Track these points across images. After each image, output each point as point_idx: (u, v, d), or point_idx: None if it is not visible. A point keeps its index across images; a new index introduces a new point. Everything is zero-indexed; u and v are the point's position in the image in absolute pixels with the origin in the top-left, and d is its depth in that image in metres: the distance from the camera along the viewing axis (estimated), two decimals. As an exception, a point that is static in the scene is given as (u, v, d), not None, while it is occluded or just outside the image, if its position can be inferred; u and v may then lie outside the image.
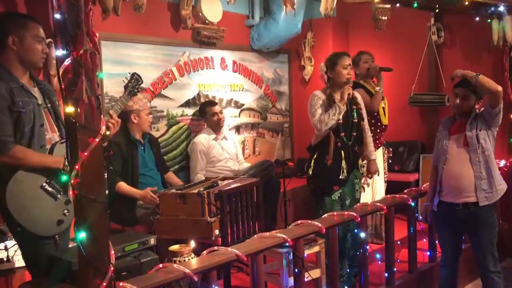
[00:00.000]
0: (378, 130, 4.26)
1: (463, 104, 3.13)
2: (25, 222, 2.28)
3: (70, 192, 1.79)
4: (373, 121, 4.18)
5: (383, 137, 4.36)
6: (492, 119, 3.12)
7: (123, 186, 3.69)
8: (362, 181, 3.87)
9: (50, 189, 2.36)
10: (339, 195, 3.57)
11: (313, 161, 3.64)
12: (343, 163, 3.56)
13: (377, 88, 4.21)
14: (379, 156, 4.37)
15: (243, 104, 5.38)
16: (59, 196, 2.39)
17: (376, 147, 4.24)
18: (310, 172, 3.63)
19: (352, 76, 3.86)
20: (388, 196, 3.78)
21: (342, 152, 3.56)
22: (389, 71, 4.40)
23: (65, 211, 2.41)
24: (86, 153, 1.75)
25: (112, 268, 1.81)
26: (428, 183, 3.43)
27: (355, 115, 3.65)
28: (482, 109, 3.19)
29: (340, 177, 3.54)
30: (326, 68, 3.73)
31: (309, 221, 2.97)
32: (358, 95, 3.78)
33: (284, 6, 3.71)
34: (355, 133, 3.64)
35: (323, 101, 3.58)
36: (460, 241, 3.33)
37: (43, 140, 2.41)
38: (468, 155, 3.11)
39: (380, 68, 4.29)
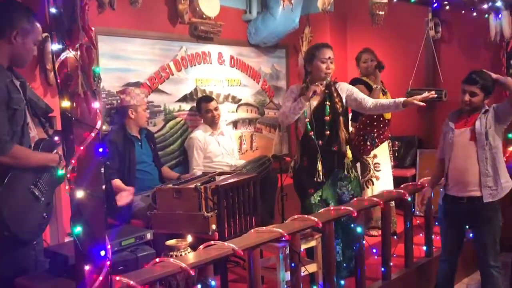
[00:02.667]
0: (381, 125, 4.29)
1: (471, 100, 3.12)
2: (15, 226, 2.13)
3: (67, 187, 1.79)
4: (375, 116, 4.21)
5: (387, 131, 4.39)
6: (507, 115, 3.11)
7: (116, 183, 3.69)
8: (369, 175, 3.82)
9: (36, 191, 2.23)
10: (319, 198, 3.41)
11: (293, 161, 3.61)
12: (318, 165, 3.35)
13: (374, 86, 4.29)
14: (385, 150, 4.42)
15: (240, 99, 5.38)
16: (42, 198, 2.25)
17: (381, 142, 4.27)
18: (290, 172, 3.62)
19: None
20: (385, 191, 3.79)
21: (318, 153, 3.35)
22: (382, 68, 4.43)
23: (45, 214, 2.28)
24: (82, 148, 1.75)
25: (108, 263, 1.81)
26: (426, 178, 3.43)
27: (327, 112, 3.38)
28: (494, 105, 3.17)
29: (317, 180, 3.37)
30: (304, 61, 3.58)
31: (306, 216, 2.98)
32: (344, 86, 3.53)
33: (282, 1, 3.71)
34: (328, 132, 3.39)
35: (296, 95, 3.43)
36: (462, 236, 3.32)
37: (29, 139, 2.28)
38: (476, 151, 3.09)
39: (375, 66, 4.38)
